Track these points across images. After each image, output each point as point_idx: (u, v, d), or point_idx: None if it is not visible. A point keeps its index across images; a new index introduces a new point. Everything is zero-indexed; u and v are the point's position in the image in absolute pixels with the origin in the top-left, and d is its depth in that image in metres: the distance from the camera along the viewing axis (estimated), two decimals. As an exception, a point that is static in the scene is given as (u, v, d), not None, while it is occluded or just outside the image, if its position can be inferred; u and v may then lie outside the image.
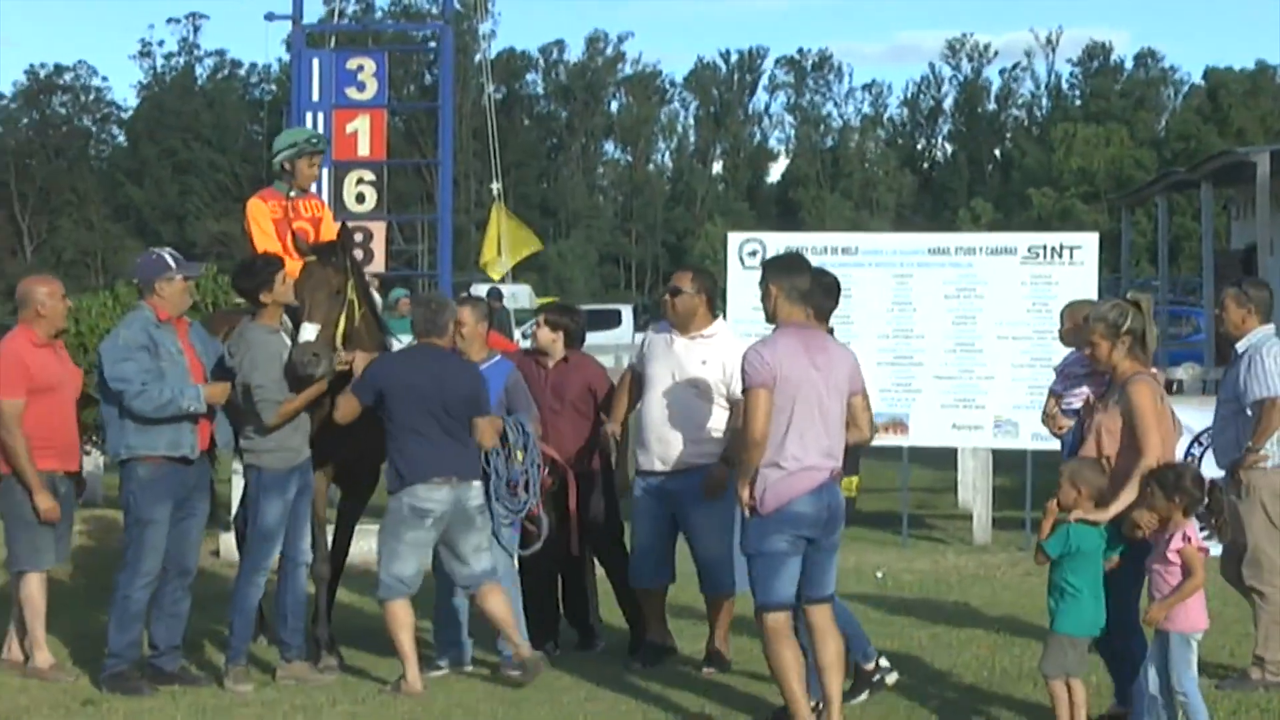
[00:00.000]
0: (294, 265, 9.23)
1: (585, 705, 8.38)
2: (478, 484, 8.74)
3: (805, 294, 7.66)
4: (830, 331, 8.25)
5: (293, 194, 10.07)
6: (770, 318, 7.69)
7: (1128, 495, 7.38)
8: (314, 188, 10.92)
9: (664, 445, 8.89)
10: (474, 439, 8.72)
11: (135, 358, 8.65)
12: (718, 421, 8.83)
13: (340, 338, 8.96)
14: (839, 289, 8.48)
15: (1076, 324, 8.56)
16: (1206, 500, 7.33)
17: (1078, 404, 8.60)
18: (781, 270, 7.71)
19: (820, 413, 7.50)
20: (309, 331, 8.73)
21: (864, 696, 8.25)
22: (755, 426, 7.40)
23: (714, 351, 8.88)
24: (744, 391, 7.58)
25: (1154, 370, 7.88)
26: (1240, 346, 8.85)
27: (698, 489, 8.77)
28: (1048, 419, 9.09)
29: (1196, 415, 11.74)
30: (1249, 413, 8.75)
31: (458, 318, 9.16)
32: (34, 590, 9.02)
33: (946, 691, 8.60)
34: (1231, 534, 8.53)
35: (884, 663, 8.45)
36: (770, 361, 7.43)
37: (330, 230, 9.86)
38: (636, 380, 9.19)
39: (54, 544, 9.03)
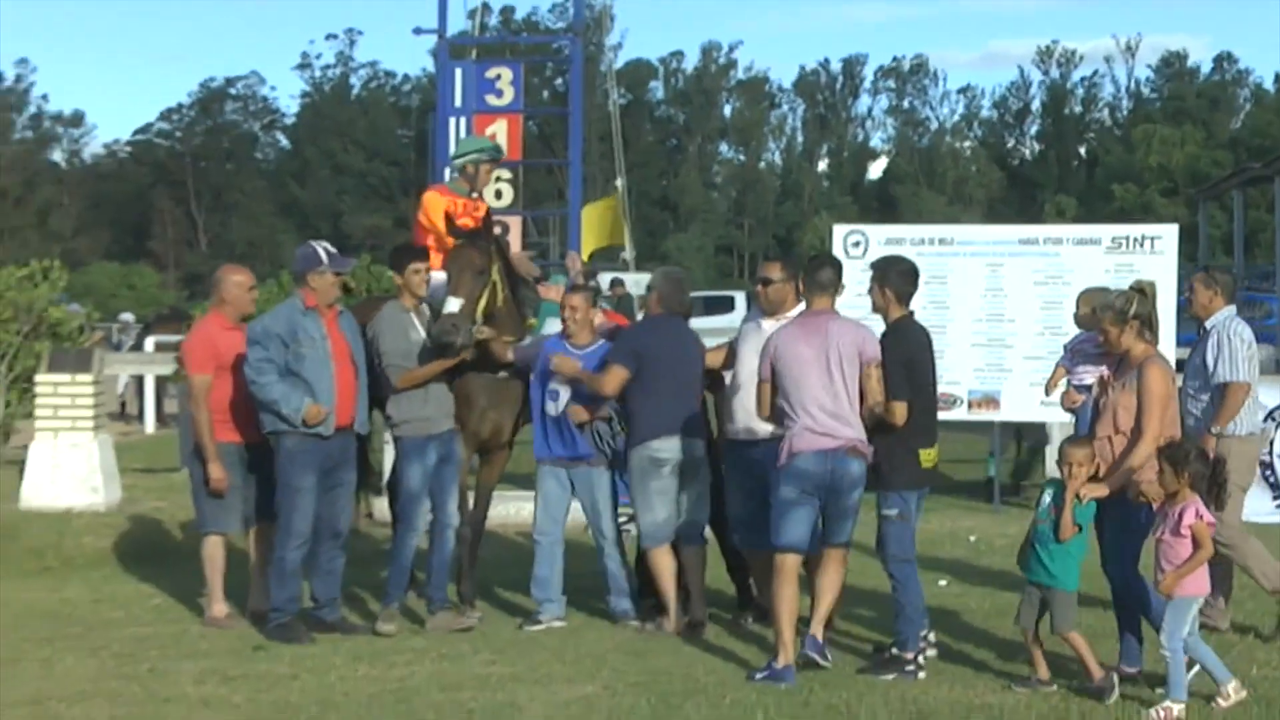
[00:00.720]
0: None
1: (703, 656, 8.39)
2: (699, 440, 8.94)
3: (825, 284, 8.15)
4: (910, 314, 8.23)
5: (473, 195, 10.16)
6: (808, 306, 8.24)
7: (1121, 475, 7.48)
8: None
9: (748, 416, 8.76)
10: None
11: (265, 344, 8.76)
12: None
13: (481, 314, 9.04)
14: (916, 274, 8.35)
15: (1088, 309, 8.64)
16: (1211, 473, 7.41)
17: (1090, 379, 8.51)
18: (808, 269, 8.31)
19: (822, 385, 7.93)
20: (452, 304, 8.82)
21: (890, 677, 7.85)
22: (759, 412, 8.24)
23: None
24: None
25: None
26: (1209, 324, 8.90)
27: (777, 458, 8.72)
28: (1063, 395, 9.02)
29: (1272, 393, 12.27)
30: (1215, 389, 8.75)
31: (570, 302, 9.21)
32: (214, 550, 9.21)
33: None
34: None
35: (922, 659, 8.02)
36: (768, 351, 8.09)
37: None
38: (731, 354, 9.14)
39: (239, 510, 9.19)
